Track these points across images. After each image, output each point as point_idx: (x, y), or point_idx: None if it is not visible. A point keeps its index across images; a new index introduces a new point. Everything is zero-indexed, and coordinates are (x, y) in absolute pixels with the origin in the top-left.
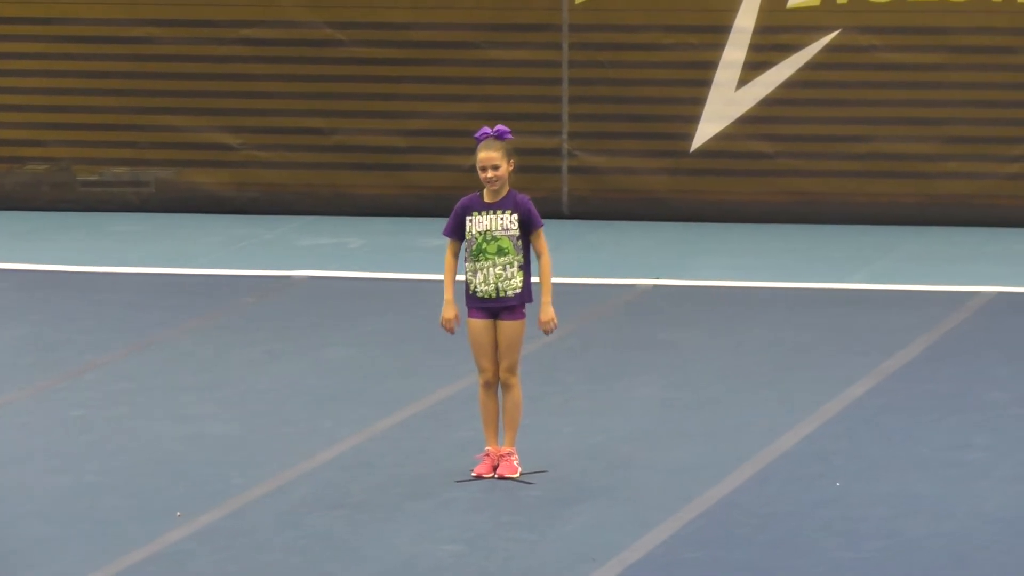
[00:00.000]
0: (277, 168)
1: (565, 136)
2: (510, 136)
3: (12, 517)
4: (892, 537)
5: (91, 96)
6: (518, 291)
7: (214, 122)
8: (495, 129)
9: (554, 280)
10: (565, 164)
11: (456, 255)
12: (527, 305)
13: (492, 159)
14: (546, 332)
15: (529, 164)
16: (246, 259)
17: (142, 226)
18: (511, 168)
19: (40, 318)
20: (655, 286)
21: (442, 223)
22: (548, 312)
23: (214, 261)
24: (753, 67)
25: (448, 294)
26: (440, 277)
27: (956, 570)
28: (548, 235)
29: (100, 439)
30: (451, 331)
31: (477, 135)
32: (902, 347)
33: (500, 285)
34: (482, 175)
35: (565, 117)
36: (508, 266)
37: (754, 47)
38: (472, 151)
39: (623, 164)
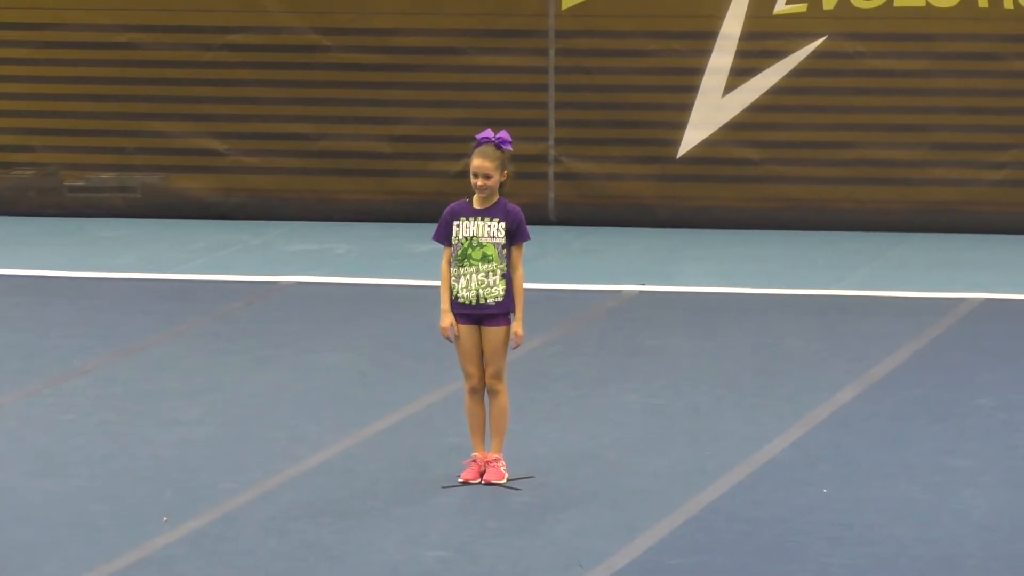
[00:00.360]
0: (264, 173)
1: (551, 142)
2: (509, 147)
3: None
4: (879, 543)
5: (78, 101)
6: (499, 299)
7: (201, 128)
8: (497, 136)
9: (540, 286)
10: (551, 170)
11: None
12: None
13: (484, 168)
14: (516, 347)
15: (515, 170)
16: (233, 264)
17: (129, 231)
18: (504, 179)
19: (27, 323)
20: (641, 292)
21: (429, 228)
22: (520, 327)
23: (201, 266)
24: (740, 73)
25: (444, 304)
26: (437, 283)
27: (943, 575)
28: (534, 241)
29: (87, 444)
30: (449, 339)
31: (478, 137)
32: (888, 353)
33: (481, 292)
34: (472, 180)
35: (551, 123)
36: (491, 274)
37: (741, 53)
38: (460, 157)
39: (609, 170)
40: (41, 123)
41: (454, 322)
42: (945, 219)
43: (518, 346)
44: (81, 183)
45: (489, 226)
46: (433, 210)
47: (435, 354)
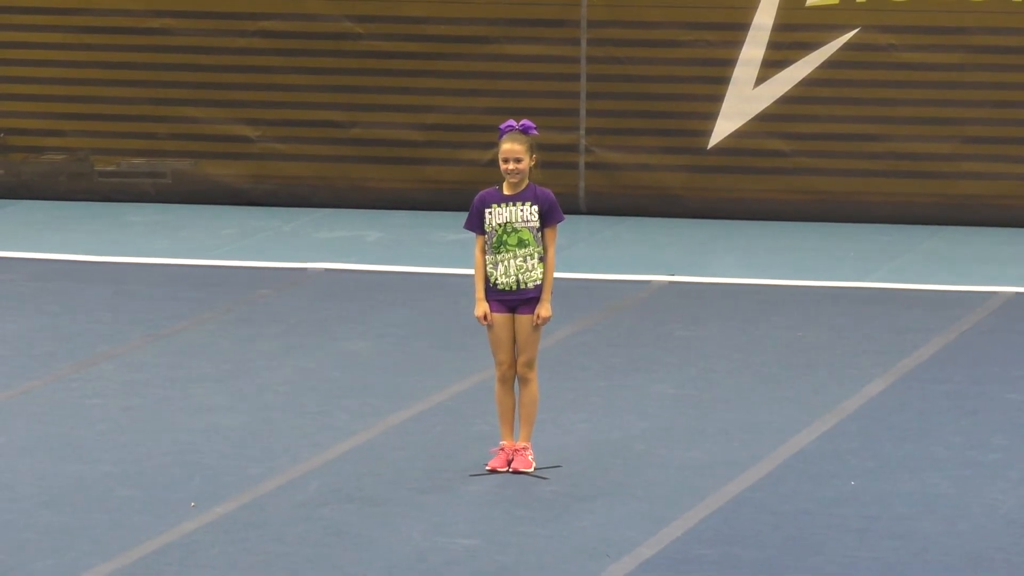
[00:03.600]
0: (294, 160)
1: (582, 132)
2: (535, 132)
3: (26, 506)
4: (907, 536)
5: (109, 87)
6: (539, 283)
7: (232, 114)
8: (520, 123)
9: (570, 275)
10: (582, 160)
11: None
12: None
13: (516, 151)
14: (537, 326)
15: (546, 160)
16: (262, 251)
17: (159, 217)
18: (533, 163)
19: (57, 308)
20: (671, 283)
21: (459, 217)
22: (548, 308)
23: (230, 253)
24: (771, 65)
25: (479, 292)
26: (467, 272)
27: (970, 570)
28: (564, 230)
29: (115, 429)
30: (487, 325)
31: (502, 127)
32: (918, 347)
33: (521, 277)
34: (503, 166)
35: (583, 113)
36: (528, 258)
37: (772, 45)
38: (490, 146)
39: (640, 160)
40: (72, 108)
41: (488, 310)
42: (976, 213)
43: (538, 325)
44: (112, 168)
45: (522, 210)
46: (463, 198)
47: (463, 342)
